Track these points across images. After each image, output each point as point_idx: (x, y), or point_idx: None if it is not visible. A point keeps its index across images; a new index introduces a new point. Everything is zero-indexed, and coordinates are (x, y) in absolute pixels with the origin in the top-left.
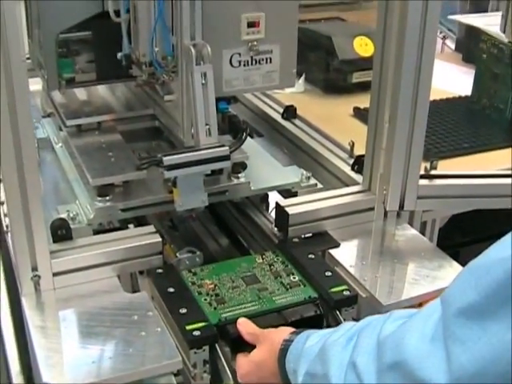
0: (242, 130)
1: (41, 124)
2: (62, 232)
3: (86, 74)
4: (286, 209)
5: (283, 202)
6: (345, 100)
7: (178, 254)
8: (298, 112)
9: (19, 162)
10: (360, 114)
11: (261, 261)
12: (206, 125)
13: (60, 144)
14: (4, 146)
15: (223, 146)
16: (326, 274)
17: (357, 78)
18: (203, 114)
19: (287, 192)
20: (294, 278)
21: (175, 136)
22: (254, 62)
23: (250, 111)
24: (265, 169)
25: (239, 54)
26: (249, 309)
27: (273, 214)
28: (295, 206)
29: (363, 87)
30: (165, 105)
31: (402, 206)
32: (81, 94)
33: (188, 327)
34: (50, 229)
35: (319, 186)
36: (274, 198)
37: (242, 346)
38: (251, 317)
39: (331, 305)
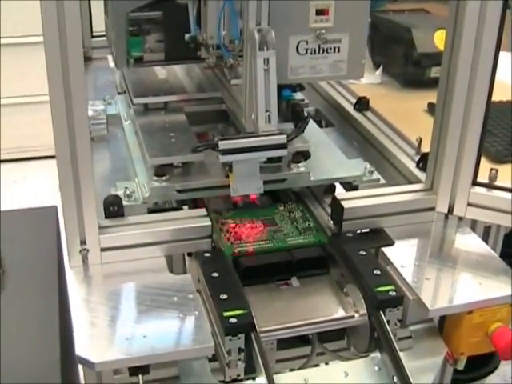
0: (303, 118)
1: (114, 100)
2: (114, 208)
3: (155, 53)
4: (342, 202)
5: (340, 195)
6: (421, 95)
7: None
8: (372, 104)
9: (72, 137)
10: (434, 110)
11: (282, 208)
12: (266, 111)
13: (128, 121)
14: (57, 121)
15: (281, 133)
16: (375, 272)
17: (435, 72)
18: (263, 100)
19: (348, 185)
20: (309, 224)
21: (239, 121)
22: (321, 50)
23: (324, 100)
24: (328, 160)
25: (306, 42)
26: (261, 246)
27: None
28: (352, 200)
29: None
30: (231, 88)
31: (451, 211)
32: (158, 72)
33: (226, 314)
34: (103, 204)
35: (382, 181)
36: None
37: (251, 277)
38: (262, 252)
39: (374, 304)
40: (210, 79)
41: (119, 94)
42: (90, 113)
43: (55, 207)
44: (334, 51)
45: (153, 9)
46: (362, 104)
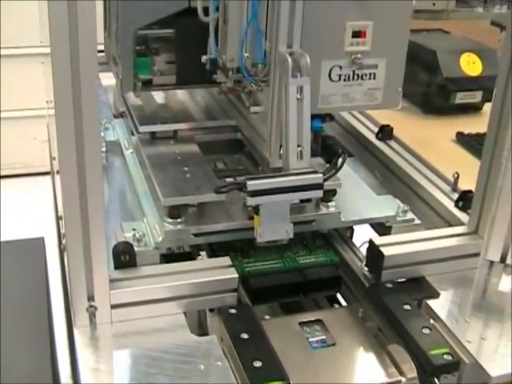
0: (337, 154)
1: (111, 125)
2: (125, 258)
3: (165, 76)
4: (382, 249)
5: (378, 240)
6: (446, 122)
7: None
8: (394, 132)
9: (81, 174)
10: (464, 140)
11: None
12: (298, 146)
13: (131, 150)
14: (65, 152)
15: (316, 172)
16: (424, 331)
17: (460, 98)
18: (296, 133)
19: (380, 226)
20: (319, 242)
21: (259, 153)
22: (355, 76)
23: (340, 127)
24: (356, 197)
25: (340, 67)
26: (272, 265)
27: (362, 250)
28: (391, 247)
29: (465, 109)
30: (250, 117)
31: (503, 259)
32: (157, 96)
33: None
34: (112, 252)
35: (416, 221)
36: (360, 228)
37: (260, 298)
38: (273, 273)
39: (429, 370)
40: (221, 105)
41: (115, 117)
42: None
43: (42, 239)
44: (370, 78)
45: (163, 26)
46: (386, 133)
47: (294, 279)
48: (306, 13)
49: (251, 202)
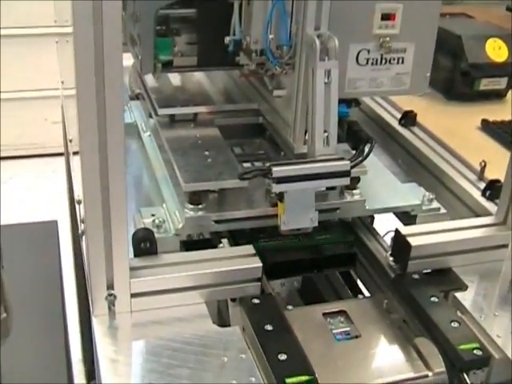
0: (364, 140)
1: (128, 107)
2: (145, 245)
3: (186, 57)
4: (409, 239)
5: (404, 229)
6: (469, 109)
7: None
8: (417, 118)
9: (103, 156)
10: (489, 128)
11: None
12: (325, 132)
13: (148, 133)
14: (86, 135)
15: (342, 158)
16: (453, 324)
17: (485, 85)
18: (322, 118)
19: (404, 215)
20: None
21: (282, 137)
22: (383, 61)
23: (362, 112)
24: (381, 185)
25: (368, 51)
26: (287, 242)
27: (386, 239)
28: (418, 237)
29: (488, 96)
30: (273, 100)
31: None
32: (173, 78)
33: (288, 380)
34: (131, 239)
35: (442, 210)
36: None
37: (276, 273)
38: (288, 249)
39: (458, 365)
40: (242, 88)
41: (131, 99)
42: None
43: (55, 222)
44: (398, 62)
45: (185, 5)
46: (409, 119)
47: (309, 255)
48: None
49: (276, 188)
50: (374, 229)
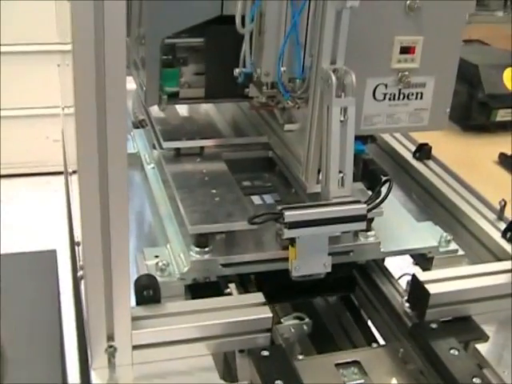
0: (380, 180)
1: (131, 136)
2: (148, 293)
3: (193, 89)
4: (427, 286)
5: (422, 275)
6: (486, 141)
7: (282, 320)
8: (432, 151)
9: (104, 198)
10: (507, 162)
11: None
12: (340, 173)
13: (152, 165)
14: (86, 170)
15: (359, 202)
16: (475, 380)
17: (502, 116)
18: (338, 158)
19: (420, 256)
20: None
21: (293, 174)
22: (401, 96)
23: (374, 144)
24: (395, 224)
25: (385, 86)
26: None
27: (401, 282)
28: (436, 284)
29: (506, 127)
30: (284, 135)
31: None
32: (180, 108)
33: None
34: (134, 286)
35: (460, 252)
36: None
37: (275, 297)
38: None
39: None
40: (251, 120)
41: (135, 127)
42: None
43: (54, 252)
44: (417, 97)
45: (193, 34)
46: (424, 152)
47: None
48: (352, 25)
49: (288, 234)
50: (388, 270)
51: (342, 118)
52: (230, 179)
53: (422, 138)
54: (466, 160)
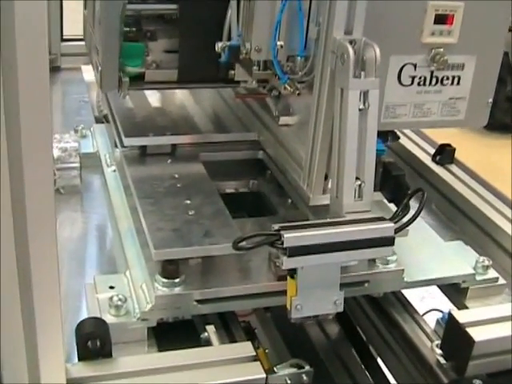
0: (407, 190)
1: (91, 131)
2: (94, 344)
3: (163, 70)
4: (470, 331)
5: (460, 315)
6: None
7: (276, 368)
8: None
9: (19, 197)
10: None
11: None
12: (357, 179)
13: (113, 167)
14: None
15: (383, 219)
16: None
17: None
18: (355, 160)
19: (451, 287)
20: None
21: (290, 181)
22: (433, 80)
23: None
24: (419, 245)
25: (414, 66)
26: None
27: (427, 318)
28: (481, 328)
29: None
30: (278, 130)
31: None
32: (152, 97)
33: None
34: (75, 334)
35: (501, 280)
36: None
37: None
38: None
39: None
40: (237, 113)
41: (97, 121)
42: (56, 152)
43: None
44: (453, 83)
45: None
46: (446, 155)
47: None
48: None
49: (289, 264)
50: (410, 304)
51: (362, 106)
52: (209, 186)
53: (438, 138)
54: (493, 164)
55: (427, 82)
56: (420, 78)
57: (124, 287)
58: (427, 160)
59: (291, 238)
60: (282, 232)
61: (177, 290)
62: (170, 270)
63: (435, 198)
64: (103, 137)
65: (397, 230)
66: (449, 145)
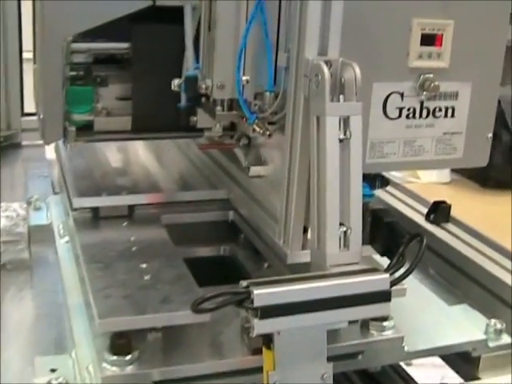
0: (402, 238)
1: (46, 203)
2: None
3: (115, 117)
4: None
5: None
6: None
7: None
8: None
9: None
10: None
11: None
12: (341, 225)
13: (66, 238)
14: None
15: (376, 270)
16: None
17: None
18: (337, 201)
19: (459, 356)
20: None
21: (265, 240)
22: (424, 112)
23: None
24: (417, 308)
25: (401, 95)
26: None
27: None
28: None
29: None
30: (250, 183)
31: None
32: (105, 148)
33: None
34: None
35: None
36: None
37: None
38: None
39: None
40: (201, 166)
41: (56, 192)
42: (1, 222)
43: None
44: (446, 114)
45: (114, 37)
46: (441, 212)
47: None
48: (349, 5)
49: (261, 328)
50: (413, 380)
51: (342, 136)
52: (171, 249)
53: (428, 194)
54: (494, 222)
55: (417, 114)
56: (409, 109)
57: (68, 369)
58: (420, 220)
59: (263, 294)
60: (251, 288)
61: (129, 369)
62: (120, 344)
63: (432, 261)
64: (58, 207)
65: (393, 283)
66: (443, 202)
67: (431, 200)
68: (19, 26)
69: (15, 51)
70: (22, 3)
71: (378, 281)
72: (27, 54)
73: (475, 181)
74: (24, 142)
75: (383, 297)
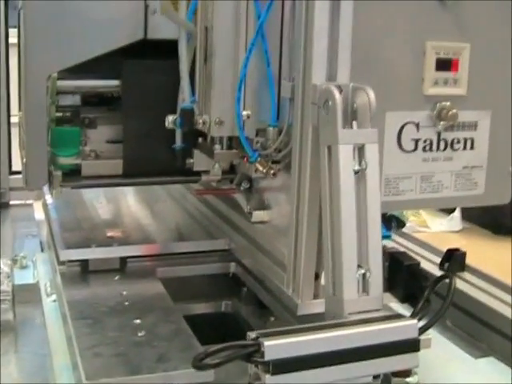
0: (424, 283)
1: (33, 261)
2: None
3: (104, 161)
4: None
5: None
6: None
7: None
8: None
9: None
10: None
11: None
12: (359, 268)
13: (53, 297)
14: None
15: (401, 316)
16: None
17: None
18: (354, 240)
19: None
20: None
21: (272, 291)
22: (441, 144)
23: None
24: (441, 363)
25: (416, 126)
26: None
27: None
28: None
29: None
30: (252, 230)
31: None
32: (96, 198)
33: None
34: None
35: None
36: None
37: None
38: None
39: None
40: (198, 216)
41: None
42: None
43: None
44: (465, 147)
45: (103, 75)
46: (455, 260)
47: None
48: (358, 23)
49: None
50: None
51: (357, 167)
52: (167, 303)
53: (438, 243)
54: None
55: (434, 147)
56: (425, 141)
57: None
58: (434, 270)
59: (275, 346)
60: (261, 340)
61: None
62: None
63: (450, 313)
64: (46, 265)
65: (423, 330)
66: (457, 249)
67: (443, 249)
68: (7, 88)
69: (3, 109)
70: (11, 67)
71: (405, 328)
72: (15, 119)
73: (487, 228)
74: (12, 202)
75: (411, 346)
